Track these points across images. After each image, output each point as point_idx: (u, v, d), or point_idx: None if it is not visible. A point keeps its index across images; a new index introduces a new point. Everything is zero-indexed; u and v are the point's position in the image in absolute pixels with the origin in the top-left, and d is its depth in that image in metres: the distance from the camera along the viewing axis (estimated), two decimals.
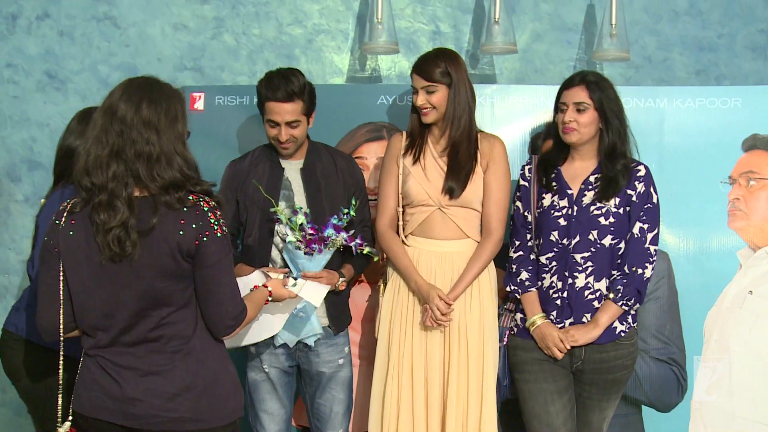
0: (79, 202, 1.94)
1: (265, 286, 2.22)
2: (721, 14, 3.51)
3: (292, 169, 2.74)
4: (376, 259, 2.78)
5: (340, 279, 2.68)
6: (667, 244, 3.03)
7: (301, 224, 2.59)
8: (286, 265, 2.65)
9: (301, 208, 2.64)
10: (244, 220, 2.73)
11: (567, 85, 2.64)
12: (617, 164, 2.60)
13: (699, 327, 3.02)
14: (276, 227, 2.69)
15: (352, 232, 2.65)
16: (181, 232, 1.89)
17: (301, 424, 3.10)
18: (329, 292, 2.63)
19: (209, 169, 3.10)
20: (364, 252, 2.69)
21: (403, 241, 2.73)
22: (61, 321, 1.97)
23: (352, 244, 2.64)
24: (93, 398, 1.93)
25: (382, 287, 2.80)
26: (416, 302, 2.70)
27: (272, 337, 2.61)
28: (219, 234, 1.93)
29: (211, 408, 1.94)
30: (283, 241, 2.65)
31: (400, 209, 2.73)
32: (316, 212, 2.67)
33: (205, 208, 1.93)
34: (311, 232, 2.59)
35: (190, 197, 1.93)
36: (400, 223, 2.74)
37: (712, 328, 3.01)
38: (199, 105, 3.20)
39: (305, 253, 2.59)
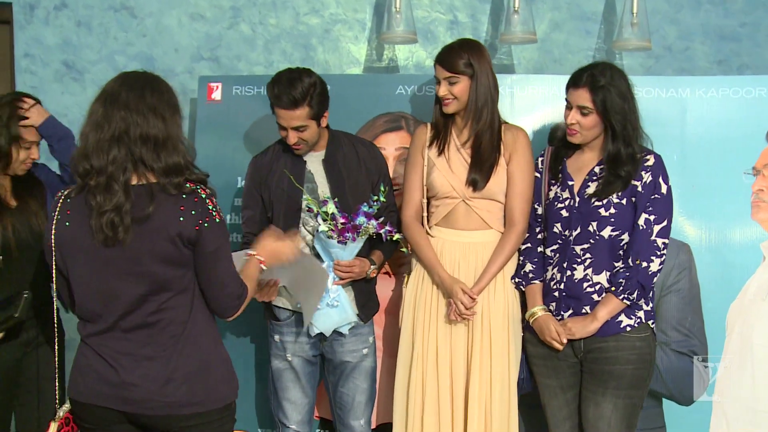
0: (74, 188, 1.96)
1: (250, 255, 2.19)
2: (744, 2, 3.46)
3: (315, 161, 2.73)
4: (404, 250, 2.79)
5: (371, 266, 2.69)
6: (688, 236, 3.00)
7: (332, 213, 2.59)
8: (317, 256, 2.66)
9: (330, 197, 2.64)
10: (270, 216, 2.73)
11: (573, 82, 2.56)
12: (620, 170, 2.53)
13: (721, 320, 2.99)
14: (302, 218, 2.69)
15: (381, 219, 2.66)
16: (181, 219, 1.90)
17: (320, 416, 3.10)
18: (359, 280, 2.66)
19: (227, 159, 3.17)
20: (394, 239, 2.69)
21: (427, 232, 2.73)
22: (55, 307, 2.06)
23: (382, 231, 2.65)
24: (89, 384, 1.96)
25: (406, 278, 2.80)
26: (440, 293, 2.70)
27: (301, 325, 2.64)
28: (218, 220, 1.96)
29: (206, 391, 1.97)
30: (310, 233, 2.66)
31: (425, 201, 2.73)
32: (341, 202, 2.66)
33: (203, 195, 1.95)
34: (343, 220, 2.59)
35: (188, 184, 1.95)
36: (425, 214, 2.74)
37: (734, 321, 2.97)
38: (217, 95, 3.20)
39: (338, 242, 2.60)
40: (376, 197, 2.66)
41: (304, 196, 2.65)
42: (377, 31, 3.50)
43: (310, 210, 2.65)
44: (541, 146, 2.90)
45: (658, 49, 3.46)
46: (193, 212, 1.92)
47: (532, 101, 3.09)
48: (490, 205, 2.68)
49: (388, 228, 2.67)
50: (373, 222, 2.62)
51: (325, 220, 2.60)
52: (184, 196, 1.92)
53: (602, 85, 2.52)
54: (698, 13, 3.48)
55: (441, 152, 2.71)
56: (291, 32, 3.53)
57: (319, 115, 2.65)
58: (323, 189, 2.71)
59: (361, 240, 2.65)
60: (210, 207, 1.95)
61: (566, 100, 2.60)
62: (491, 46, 3.50)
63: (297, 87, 2.57)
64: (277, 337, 2.75)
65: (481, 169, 2.65)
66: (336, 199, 2.65)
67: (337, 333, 2.70)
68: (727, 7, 3.47)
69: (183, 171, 1.93)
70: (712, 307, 2.99)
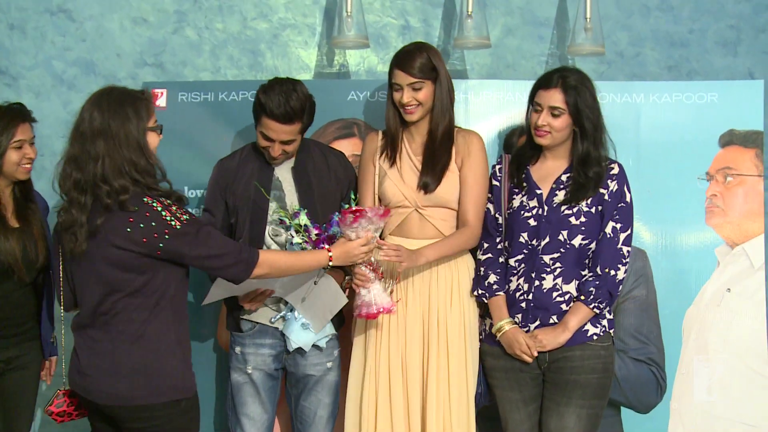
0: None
1: (329, 250, 2.44)
2: (692, 9, 3.51)
3: (283, 169, 2.69)
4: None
5: (346, 277, 2.66)
6: (644, 241, 3.02)
7: (305, 225, 2.55)
8: None
9: (302, 208, 2.60)
10: (233, 222, 2.68)
11: (544, 84, 2.57)
12: (589, 171, 2.55)
13: (677, 326, 3.02)
14: (268, 229, 2.64)
15: None
16: (128, 229, 2.12)
17: None
18: None
19: (173, 168, 3.02)
20: None
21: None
22: (62, 299, 2.35)
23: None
24: (71, 372, 2.28)
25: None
26: None
27: (263, 337, 2.66)
28: (178, 226, 2.13)
29: (148, 387, 2.17)
30: (278, 243, 2.62)
31: None
32: (309, 211, 2.62)
33: (159, 208, 2.14)
34: (317, 232, 2.55)
35: (145, 199, 2.14)
36: None
37: (690, 326, 3.00)
38: (161, 102, 3.14)
39: None
40: (347, 205, 2.61)
41: (275, 208, 2.61)
42: (328, 36, 3.47)
43: (282, 222, 2.60)
44: (496, 151, 2.90)
45: (611, 55, 3.49)
46: (141, 225, 2.12)
47: (487, 107, 3.11)
48: (443, 213, 2.66)
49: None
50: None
51: (298, 232, 2.55)
52: (135, 209, 2.13)
53: (574, 85, 2.53)
54: (648, 20, 3.51)
55: (392, 161, 2.68)
56: (238, 37, 3.48)
57: (307, 128, 2.62)
58: (291, 198, 2.68)
59: None
60: (168, 218, 2.13)
61: (534, 102, 2.59)
62: (444, 51, 3.48)
63: (296, 101, 2.52)
64: (238, 349, 2.69)
65: (432, 172, 2.63)
66: (306, 210, 2.60)
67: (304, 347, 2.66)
68: (676, 14, 3.51)
69: (127, 191, 2.14)
70: (669, 313, 3.02)
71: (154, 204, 2.13)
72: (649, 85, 3.13)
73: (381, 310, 2.55)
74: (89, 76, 3.44)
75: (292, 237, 2.57)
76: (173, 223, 2.13)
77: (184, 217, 2.16)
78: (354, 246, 2.43)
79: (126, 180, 2.13)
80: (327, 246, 2.48)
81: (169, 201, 2.17)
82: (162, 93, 3.13)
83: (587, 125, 2.54)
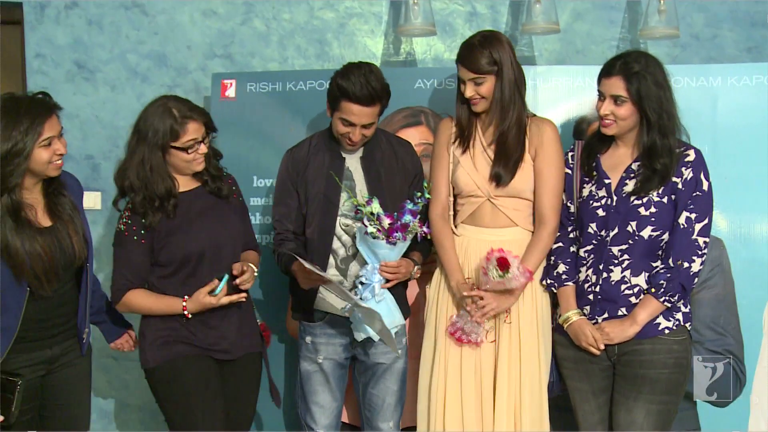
0: None
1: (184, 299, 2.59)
2: None
3: (353, 159, 2.72)
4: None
5: (415, 266, 2.68)
6: (720, 230, 2.93)
7: (377, 213, 2.58)
8: (349, 257, 2.68)
9: (373, 197, 2.63)
10: (304, 212, 2.71)
11: (606, 72, 2.51)
12: (656, 163, 2.47)
13: (757, 317, 2.92)
14: (339, 221, 2.68)
15: (418, 218, 2.65)
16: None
17: (343, 421, 3.05)
18: (397, 284, 2.66)
19: (241, 158, 3.16)
20: (428, 237, 2.69)
21: (453, 230, 2.71)
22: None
23: (421, 230, 2.65)
24: None
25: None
26: None
27: (335, 327, 2.70)
28: (118, 229, 2.64)
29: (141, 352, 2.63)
30: (347, 232, 2.66)
31: (451, 198, 2.71)
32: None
33: (125, 213, 2.65)
34: (389, 221, 2.58)
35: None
36: (451, 212, 2.71)
37: None
38: (231, 92, 3.20)
39: (388, 242, 2.58)
40: (420, 194, 2.65)
41: (346, 198, 2.64)
42: (394, 25, 3.48)
43: (357, 211, 2.63)
44: (567, 139, 2.86)
45: (685, 38, 3.40)
46: None
47: (556, 93, 3.07)
48: (516, 203, 2.65)
49: (425, 228, 2.67)
50: (417, 221, 2.63)
51: (370, 221, 2.58)
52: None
53: (636, 72, 2.46)
54: (726, 0, 3.41)
55: (466, 150, 2.67)
56: (305, 27, 3.52)
57: (384, 110, 2.66)
58: (361, 187, 2.70)
59: (410, 239, 2.64)
60: (122, 220, 2.59)
61: (598, 91, 2.54)
62: (512, 37, 3.46)
63: (374, 81, 2.56)
64: (308, 339, 2.72)
65: (505, 164, 2.61)
66: (378, 199, 2.64)
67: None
68: None
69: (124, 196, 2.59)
70: (747, 304, 2.92)
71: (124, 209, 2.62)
72: (726, 68, 3.04)
73: (468, 341, 2.60)
74: (161, 68, 3.53)
75: (366, 227, 2.59)
76: (120, 225, 2.57)
77: (124, 224, 2.57)
78: (202, 293, 2.54)
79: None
80: (392, 237, 2.56)
81: (131, 206, 2.55)
82: (231, 83, 3.19)
83: (651, 114, 2.46)
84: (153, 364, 2.56)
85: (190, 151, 2.53)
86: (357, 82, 2.54)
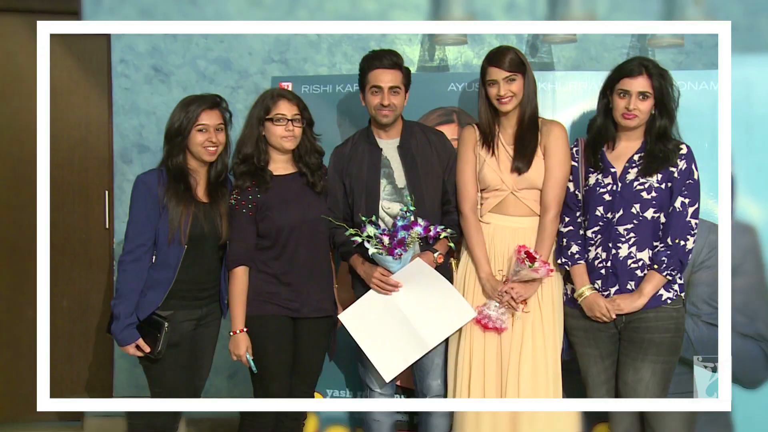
0: None
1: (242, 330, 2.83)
2: None
3: (390, 148, 2.88)
4: (452, 245, 2.86)
5: (435, 253, 2.81)
6: (753, 217, 2.96)
7: (375, 235, 2.72)
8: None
9: (373, 218, 2.77)
10: (351, 202, 2.87)
11: (628, 74, 2.68)
12: (668, 144, 2.68)
13: None
14: (381, 203, 2.83)
15: (423, 223, 2.76)
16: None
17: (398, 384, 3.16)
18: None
19: None
20: (441, 237, 2.80)
21: (480, 219, 2.86)
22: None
23: (427, 235, 2.76)
24: None
25: (454, 263, 2.95)
26: None
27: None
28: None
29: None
30: (390, 215, 2.83)
31: (479, 194, 2.87)
32: (414, 185, 2.82)
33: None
34: (387, 239, 2.71)
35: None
36: (478, 205, 2.87)
37: None
38: None
39: (394, 259, 2.73)
40: (405, 207, 2.77)
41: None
42: (430, 34, 3.64)
43: (354, 242, 2.76)
44: (581, 135, 2.99)
45: (689, 45, 3.50)
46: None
47: (573, 96, 3.17)
48: (535, 194, 2.82)
49: (434, 230, 2.76)
50: (417, 229, 2.73)
51: (370, 243, 2.71)
52: None
53: (657, 71, 2.70)
54: None
55: (490, 149, 2.83)
56: (351, 36, 3.67)
57: (407, 86, 2.84)
58: (398, 174, 2.85)
59: (412, 248, 2.75)
60: (233, 195, 2.82)
61: (618, 90, 2.70)
62: (533, 46, 3.63)
63: (394, 55, 2.81)
64: None
65: (523, 156, 2.80)
66: (410, 195, 2.78)
67: None
68: None
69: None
70: None
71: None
72: (763, 59, 3.05)
73: (494, 327, 2.77)
74: (226, 72, 3.71)
75: (368, 249, 2.72)
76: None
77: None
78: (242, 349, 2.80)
79: None
80: (395, 255, 2.73)
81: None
82: (288, 86, 3.27)
83: (669, 105, 2.66)
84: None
85: (277, 123, 2.75)
86: (379, 54, 2.81)
